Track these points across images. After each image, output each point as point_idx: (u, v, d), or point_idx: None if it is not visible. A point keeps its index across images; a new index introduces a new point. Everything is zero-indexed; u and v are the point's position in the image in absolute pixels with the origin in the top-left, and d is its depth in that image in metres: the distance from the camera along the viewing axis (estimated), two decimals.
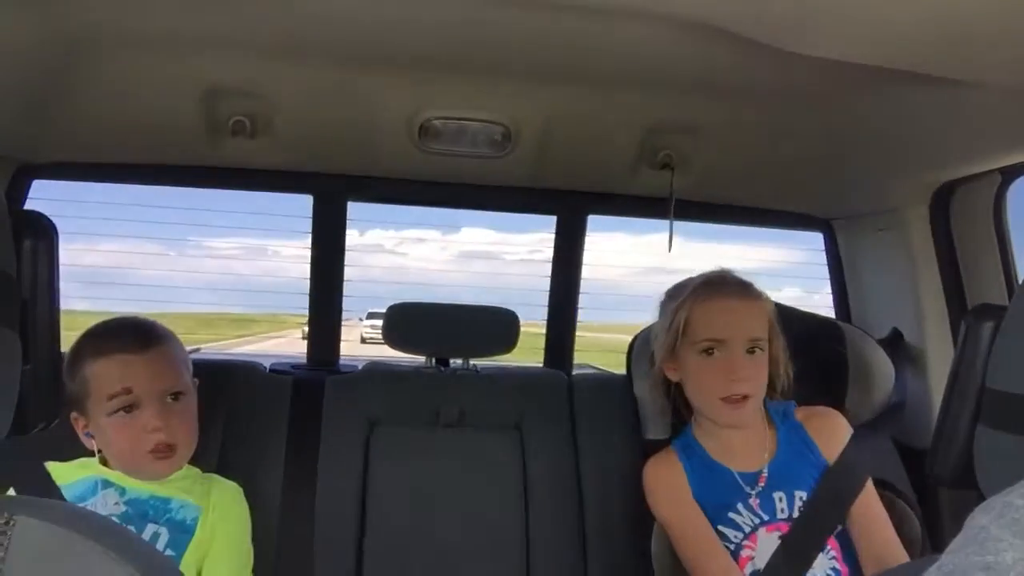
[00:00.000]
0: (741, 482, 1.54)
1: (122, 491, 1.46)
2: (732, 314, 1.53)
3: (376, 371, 1.94)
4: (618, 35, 1.36)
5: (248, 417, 1.74)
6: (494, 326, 1.96)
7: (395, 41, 1.45)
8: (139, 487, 1.47)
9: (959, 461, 0.85)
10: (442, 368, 1.96)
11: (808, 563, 1.48)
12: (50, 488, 1.42)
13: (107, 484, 1.46)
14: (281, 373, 1.94)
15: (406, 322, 1.95)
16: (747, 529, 1.51)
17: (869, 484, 1.56)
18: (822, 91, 1.53)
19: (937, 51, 1.15)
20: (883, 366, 1.72)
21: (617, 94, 1.66)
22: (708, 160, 1.87)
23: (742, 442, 1.57)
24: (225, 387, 1.75)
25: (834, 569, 1.50)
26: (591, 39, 1.39)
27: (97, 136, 1.77)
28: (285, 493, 1.71)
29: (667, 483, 1.57)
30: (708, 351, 1.53)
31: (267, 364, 1.97)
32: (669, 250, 1.87)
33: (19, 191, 1.86)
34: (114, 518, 1.42)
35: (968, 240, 1.77)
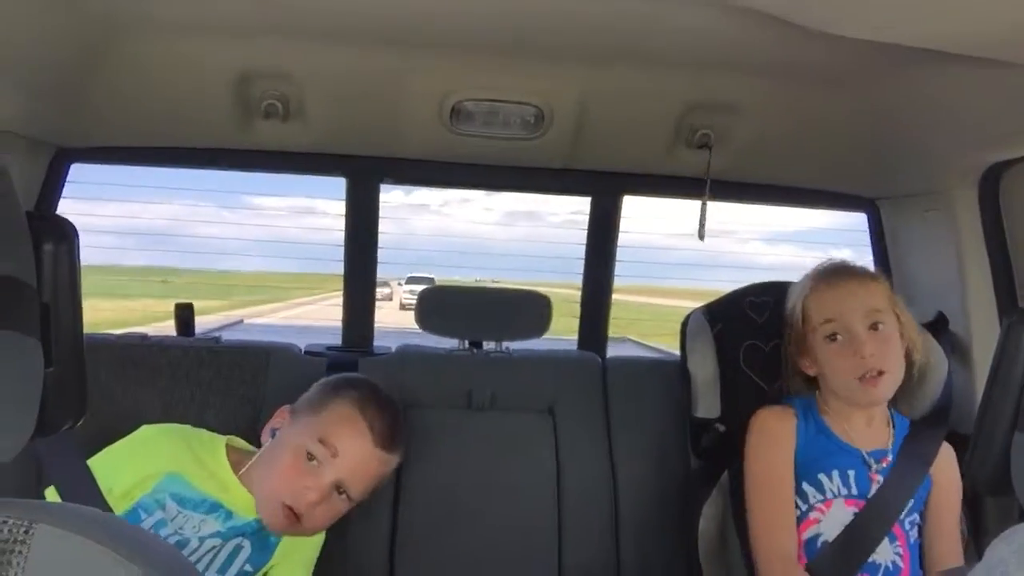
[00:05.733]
0: (867, 457, 1.54)
1: (228, 516, 1.46)
2: (844, 294, 1.54)
3: (409, 353, 1.94)
4: (654, 13, 1.33)
5: (284, 399, 1.75)
6: (527, 309, 1.95)
7: (426, 22, 1.44)
8: (246, 515, 1.47)
9: (997, 468, 0.82)
10: (475, 351, 1.96)
11: (871, 546, 1.49)
12: (90, 487, 1.43)
13: (216, 508, 1.46)
14: (316, 355, 1.96)
15: (440, 305, 1.95)
16: (828, 495, 1.53)
17: (952, 496, 1.58)
18: (865, 70, 1.48)
19: (984, 33, 1.10)
20: (937, 360, 1.67)
21: (653, 73, 1.62)
22: (747, 139, 1.83)
23: (865, 423, 1.58)
24: (262, 370, 1.77)
25: (894, 564, 1.51)
26: (626, 18, 1.36)
27: (132, 121, 1.79)
28: None
29: (774, 435, 1.58)
30: (832, 336, 1.53)
31: (302, 345, 1.99)
32: (701, 237, 1.83)
33: (58, 175, 1.88)
34: (216, 537, 1.44)
35: (1018, 224, 1.71)
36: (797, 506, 1.54)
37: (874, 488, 1.53)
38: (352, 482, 1.47)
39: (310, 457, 1.45)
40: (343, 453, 1.46)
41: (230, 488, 1.48)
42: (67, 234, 0.75)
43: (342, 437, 1.47)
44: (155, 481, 1.45)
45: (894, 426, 1.60)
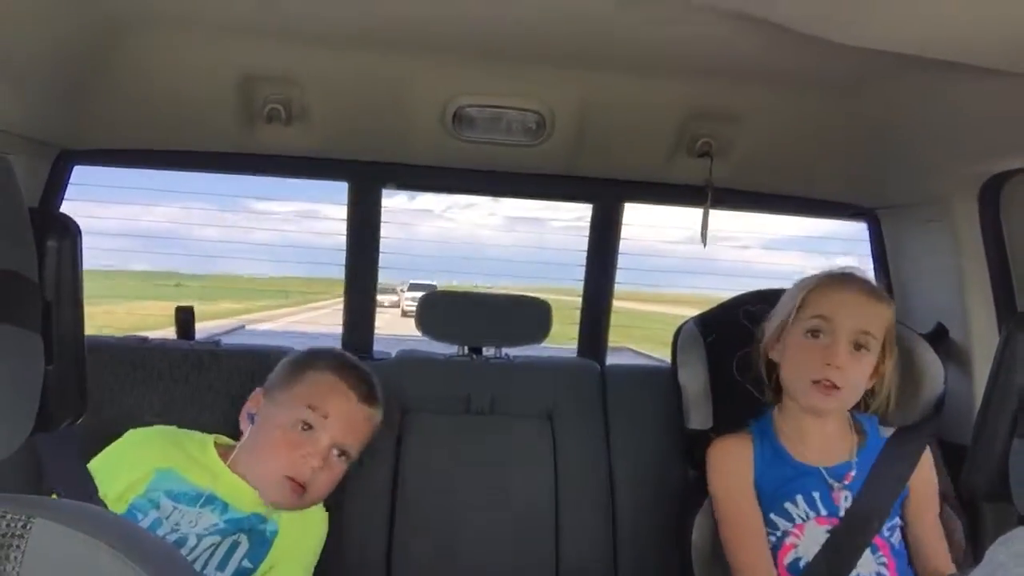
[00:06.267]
0: (827, 476, 1.52)
1: (224, 508, 1.47)
2: (848, 302, 1.52)
3: (409, 359, 1.94)
4: (655, 22, 1.34)
5: None
6: (527, 315, 1.95)
7: (430, 27, 1.45)
8: (242, 506, 1.48)
9: (994, 474, 0.82)
10: (474, 356, 1.96)
11: (853, 560, 1.47)
12: (90, 489, 1.44)
13: (212, 500, 1.47)
14: None
15: (440, 311, 1.95)
16: (798, 520, 1.51)
17: (930, 493, 1.56)
18: (866, 79, 1.49)
19: (985, 42, 1.11)
20: (933, 370, 1.66)
21: (654, 81, 1.63)
22: (748, 148, 1.84)
23: (821, 438, 1.55)
24: (260, 372, 1.77)
25: (879, 575, 1.49)
26: (628, 26, 1.37)
27: (135, 123, 1.79)
28: None
29: (733, 462, 1.57)
30: (814, 332, 1.51)
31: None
32: (704, 244, 1.83)
33: (61, 176, 1.89)
34: (216, 533, 1.45)
35: (1018, 235, 1.71)
36: (771, 534, 1.52)
37: (842, 503, 1.51)
38: (347, 440, 1.53)
39: (304, 427, 1.50)
40: (333, 415, 1.51)
41: (222, 477, 1.50)
42: (70, 231, 0.76)
43: (328, 401, 1.52)
44: (147, 481, 1.46)
45: (864, 433, 1.58)
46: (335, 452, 1.52)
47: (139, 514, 1.43)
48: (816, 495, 1.52)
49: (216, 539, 1.44)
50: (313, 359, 1.60)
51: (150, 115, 1.75)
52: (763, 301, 1.73)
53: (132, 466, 1.49)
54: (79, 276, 0.77)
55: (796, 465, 1.54)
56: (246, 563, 1.46)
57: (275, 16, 1.44)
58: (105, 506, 1.42)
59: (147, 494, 1.45)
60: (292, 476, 1.47)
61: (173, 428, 1.59)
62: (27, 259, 0.69)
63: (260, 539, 1.48)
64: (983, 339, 1.75)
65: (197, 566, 1.40)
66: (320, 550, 1.57)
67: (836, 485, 1.52)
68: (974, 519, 1.67)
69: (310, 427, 1.50)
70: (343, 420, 1.52)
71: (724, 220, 1.86)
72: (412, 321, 1.93)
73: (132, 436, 1.55)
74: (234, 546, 1.45)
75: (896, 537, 1.53)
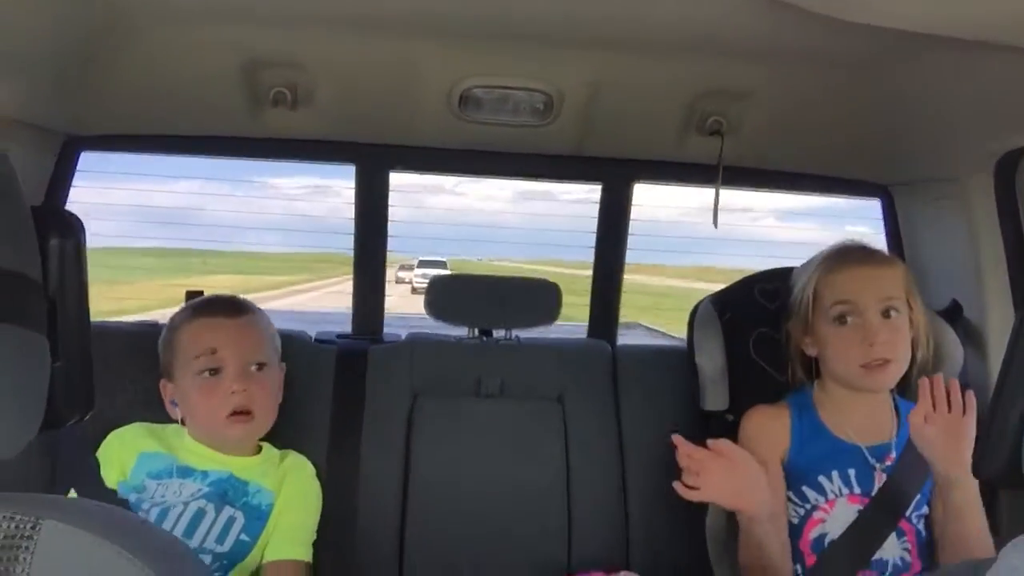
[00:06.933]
0: (868, 455, 1.51)
1: (204, 476, 1.52)
2: (861, 278, 1.50)
3: (419, 341, 1.94)
4: (663, 0, 1.32)
5: (293, 386, 1.75)
6: (536, 297, 1.95)
7: (436, 8, 1.43)
8: (219, 469, 1.53)
9: (1007, 460, 0.81)
10: (484, 339, 1.95)
11: (878, 542, 1.47)
12: (101, 482, 1.49)
13: (189, 471, 1.52)
14: (325, 343, 1.96)
15: (448, 294, 1.95)
16: (830, 495, 1.51)
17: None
18: (878, 55, 1.46)
19: (996, 19, 1.08)
20: (952, 348, 1.64)
21: (663, 60, 1.61)
22: (759, 126, 1.81)
23: (864, 415, 1.54)
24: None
25: (903, 560, 1.49)
26: (636, 4, 1.35)
27: (142, 108, 1.79)
28: (329, 462, 1.72)
29: (767, 434, 1.56)
30: (841, 319, 1.50)
31: (312, 333, 1.99)
32: (715, 225, 1.81)
33: (68, 163, 1.89)
34: (201, 498, 1.50)
35: None
36: (799, 506, 1.52)
37: (877, 484, 1.50)
38: (251, 356, 1.55)
39: (209, 373, 1.52)
40: (219, 347, 1.53)
41: (191, 448, 1.55)
42: (73, 228, 0.75)
43: (205, 340, 1.54)
44: (131, 466, 1.53)
45: (899, 414, 1.56)
46: (252, 368, 1.55)
47: (132, 495, 1.49)
48: (852, 472, 1.51)
49: (202, 503, 1.49)
50: (173, 323, 1.61)
51: (155, 100, 1.75)
52: (777, 279, 1.72)
53: (120, 453, 1.55)
54: (84, 272, 0.77)
55: (835, 441, 1.53)
56: (244, 537, 1.49)
57: (280, 0, 1.43)
58: (117, 499, 1.47)
59: (132, 480, 1.51)
60: (231, 413, 1.51)
61: (147, 423, 1.62)
62: (31, 258, 0.69)
63: (256, 513, 1.52)
64: (998, 315, 1.73)
65: (196, 538, 1.45)
66: (315, 526, 1.59)
67: (878, 466, 1.51)
68: (990, 508, 1.65)
69: (214, 370, 1.52)
70: (230, 345, 1.54)
71: (738, 193, 1.83)
72: (421, 299, 1.93)
73: (112, 435, 1.59)
74: (230, 521, 1.49)
75: (923, 526, 1.52)
